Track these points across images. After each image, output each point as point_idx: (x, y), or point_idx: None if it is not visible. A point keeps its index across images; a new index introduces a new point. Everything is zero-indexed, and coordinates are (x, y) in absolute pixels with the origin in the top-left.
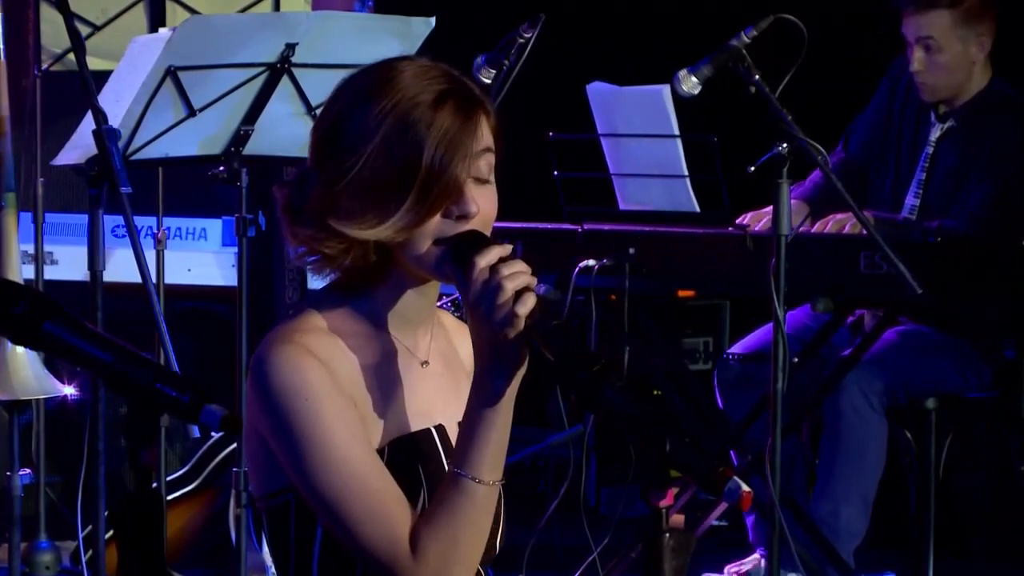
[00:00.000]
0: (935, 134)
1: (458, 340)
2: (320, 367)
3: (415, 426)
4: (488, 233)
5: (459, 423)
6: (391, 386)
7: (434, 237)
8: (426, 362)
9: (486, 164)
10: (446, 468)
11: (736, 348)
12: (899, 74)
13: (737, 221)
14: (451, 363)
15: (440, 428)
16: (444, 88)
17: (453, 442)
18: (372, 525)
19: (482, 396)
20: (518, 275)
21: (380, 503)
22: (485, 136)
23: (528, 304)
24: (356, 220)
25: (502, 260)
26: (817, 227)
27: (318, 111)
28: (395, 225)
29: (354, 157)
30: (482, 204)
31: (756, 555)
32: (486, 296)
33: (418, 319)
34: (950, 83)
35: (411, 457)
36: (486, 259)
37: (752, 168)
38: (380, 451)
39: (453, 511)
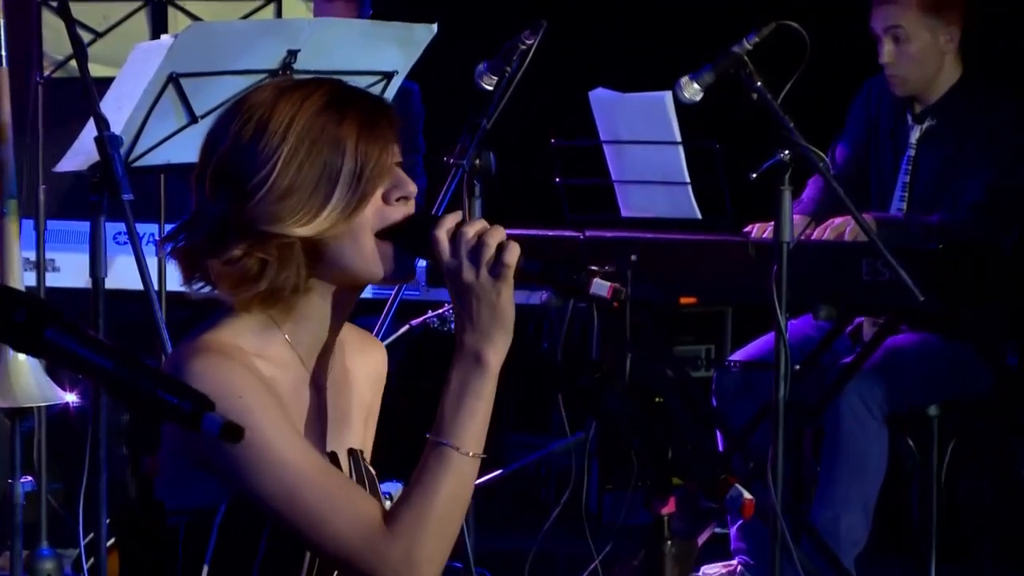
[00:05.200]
0: (914, 136)
1: (353, 357)
2: (247, 371)
3: None
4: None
5: (351, 449)
6: (294, 410)
7: (375, 228)
8: (324, 388)
9: (397, 151)
10: None
11: (736, 356)
12: (869, 90)
13: (744, 231)
14: (343, 386)
15: (332, 456)
16: (334, 87)
17: (343, 470)
18: (331, 509)
19: (471, 366)
20: (493, 231)
21: (334, 486)
22: (395, 126)
23: (514, 252)
24: (290, 218)
25: (460, 224)
26: (817, 232)
27: None
28: (331, 215)
29: (265, 169)
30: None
31: (734, 561)
32: (470, 258)
33: (326, 341)
34: (921, 75)
35: None
36: (445, 227)
37: (754, 175)
38: None
39: (431, 481)
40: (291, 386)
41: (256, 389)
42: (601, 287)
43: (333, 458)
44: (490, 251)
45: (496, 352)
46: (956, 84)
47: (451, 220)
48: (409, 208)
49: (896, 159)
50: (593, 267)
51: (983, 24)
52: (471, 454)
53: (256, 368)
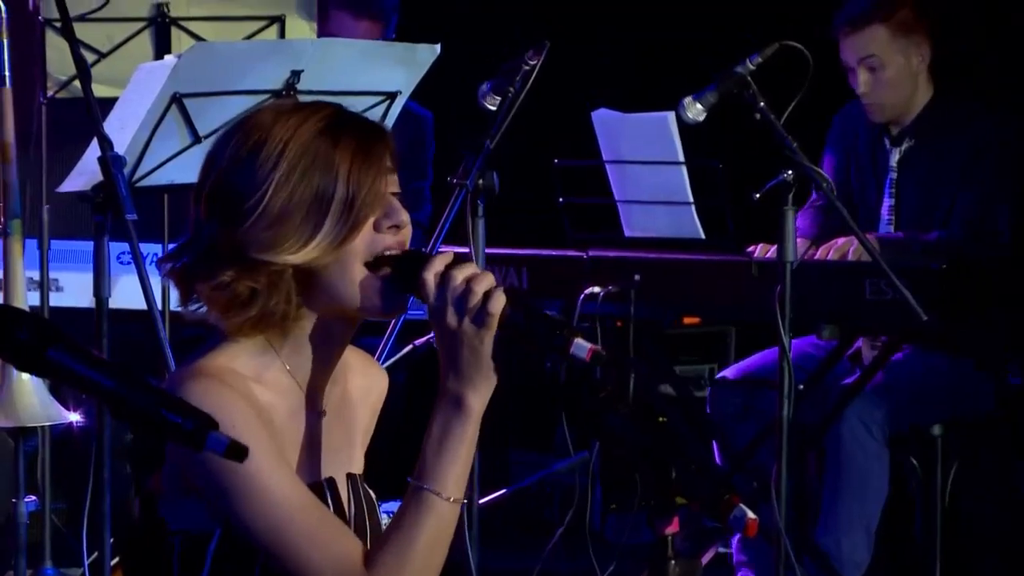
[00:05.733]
0: (894, 158)
1: (360, 380)
2: (241, 399)
3: (308, 479)
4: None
5: (350, 474)
6: (289, 436)
7: (364, 257)
8: (323, 412)
9: (395, 180)
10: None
11: (728, 372)
12: (844, 122)
13: (748, 250)
14: (344, 411)
15: (330, 481)
16: (333, 111)
17: (342, 495)
18: (316, 548)
19: (453, 409)
20: (481, 277)
21: (320, 526)
22: (390, 154)
23: (500, 301)
24: (279, 246)
25: (450, 267)
26: (820, 252)
27: None
28: (320, 244)
29: (258, 194)
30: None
31: None
32: (455, 304)
33: (322, 368)
34: (897, 99)
35: None
36: (433, 270)
37: (757, 195)
38: None
39: (412, 525)
40: (288, 412)
41: (250, 420)
42: (581, 348)
43: (331, 484)
44: (476, 298)
45: (478, 397)
46: (929, 103)
47: (440, 262)
48: (401, 237)
49: (879, 183)
50: (576, 328)
51: (950, 40)
52: (452, 499)
53: (252, 394)
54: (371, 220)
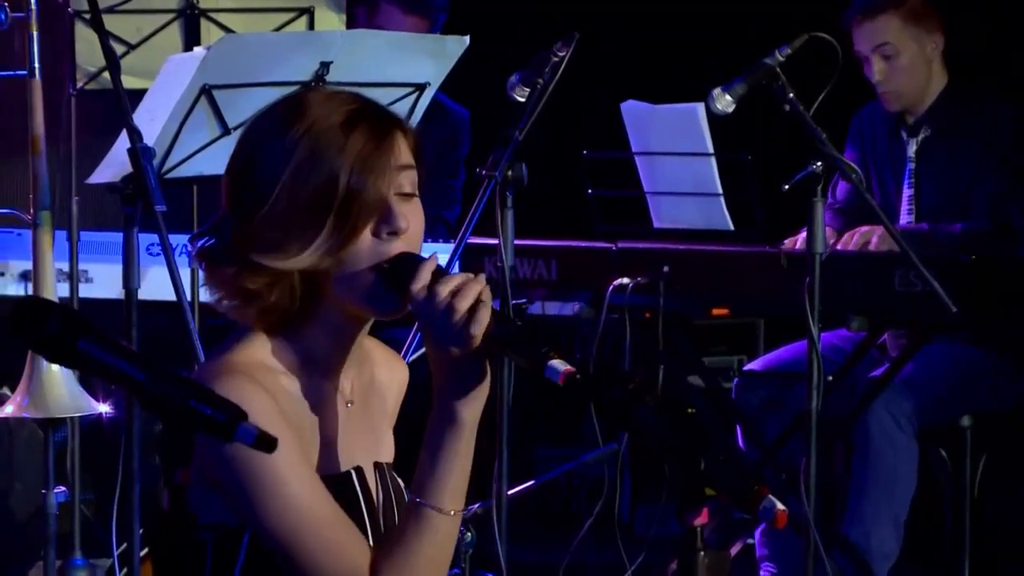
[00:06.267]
0: (912, 149)
1: (384, 373)
2: (268, 397)
3: (335, 469)
4: (418, 248)
5: (377, 463)
6: (316, 427)
7: (367, 261)
8: (351, 402)
9: (408, 180)
10: (364, 511)
11: (754, 365)
12: (860, 121)
13: (781, 244)
14: (371, 401)
15: (359, 470)
16: (354, 108)
17: (370, 484)
18: (329, 556)
19: (444, 421)
20: (465, 290)
21: (336, 534)
22: (404, 153)
23: (482, 321)
24: (279, 251)
25: (436, 277)
26: (843, 240)
27: None
28: (318, 251)
29: (268, 188)
30: (408, 222)
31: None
32: (439, 320)
33: (346, 358)
34: (912, 86)
35: None
36: (420, 282)
37: (786, 187)
38: None
39: (412, 541)
40: (313, 402)
41: (274, 420)
42: (555, 371)
43: (359, 472)
44: (459, 315)
45: (469, 409)
46: (944, 91)
47: (427, 272)
48: (406, 244)
49: (897, 175)
50: (556, 348)
51: (963, 27)
52: (451, 512)
53: (278, 388)
54: (368, 227)
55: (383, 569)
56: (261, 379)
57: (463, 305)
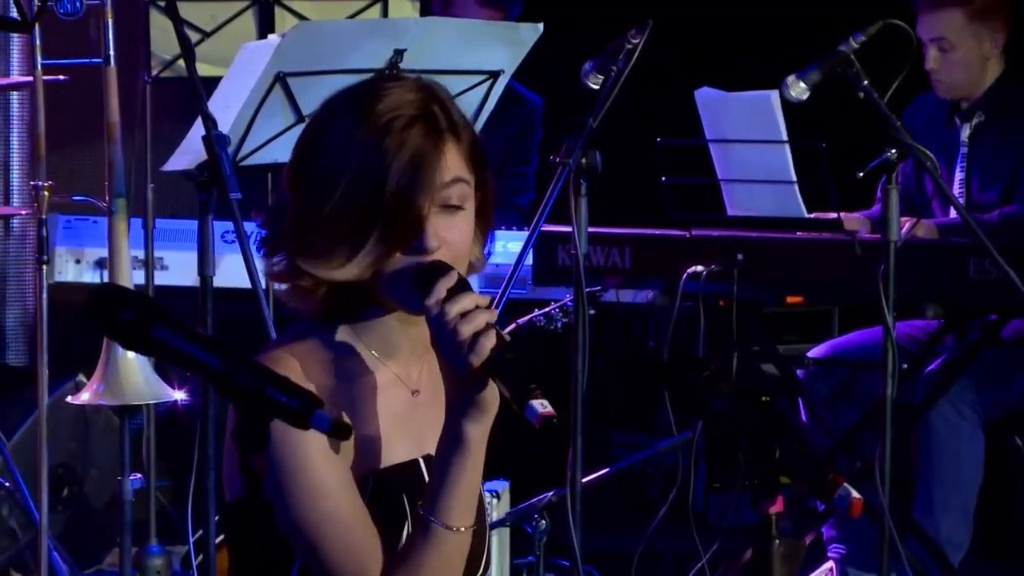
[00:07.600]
0: (965, 133)
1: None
2: (311, 385)
3: (402, 456)
4: (460, 257)
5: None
6: (380, 415)
7: (404, 265)
8: (417, 391)
9: (456, 193)
10: None
11: (819, 351)
12: (911, 114)
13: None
14: (431, 393)
15: (428, 458)
16: (413, 114)
17: (425, 475)
18: (345, 556)
19: (450, 439)
20: (473, 315)
21: (356, 537)
22: (452, 166)
23: (485, 348)
24: (324, 260)
25: (451, 295)
26: None
27: None
28: (360, 263)
29: (325, 187)
30: (449, 235)
31: (827, 566)
32: (446, 339)
33: (408, 347)
34: (965, 80)
35: (396, 487)
36: (434, 297)
37: (860, 174)
38: (365, 480)
39: (421, 556)
40: (377, 390)
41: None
42: (533, 411)
43: (428, 461)
44: (462, 337)
45: (476, 427)
46: (1000, 78)
47: (442, 288)
48: (444, 253)
49: (949, 160)
50: (541, 389)
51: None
52: (460, 529)
53: (338, 372)
54: (408, 243)
55: None
56: (310, 371)
57: (467, 330)
